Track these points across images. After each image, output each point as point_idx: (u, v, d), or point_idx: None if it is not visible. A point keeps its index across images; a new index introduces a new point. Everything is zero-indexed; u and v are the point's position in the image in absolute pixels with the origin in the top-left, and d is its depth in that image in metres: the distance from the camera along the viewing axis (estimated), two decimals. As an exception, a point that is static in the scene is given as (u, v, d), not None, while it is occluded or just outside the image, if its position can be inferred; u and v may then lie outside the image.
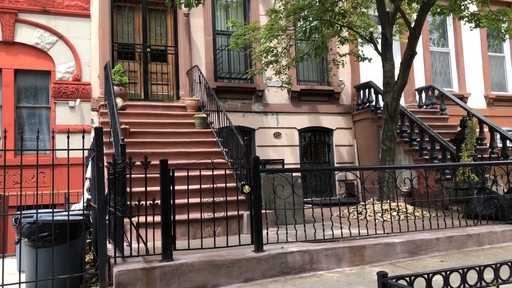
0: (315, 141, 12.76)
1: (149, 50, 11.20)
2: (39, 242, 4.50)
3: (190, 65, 11.04)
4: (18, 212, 4.59)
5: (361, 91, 12.52)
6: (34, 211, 4.66)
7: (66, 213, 4.64)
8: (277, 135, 11.96)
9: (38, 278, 4.24)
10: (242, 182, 5.92)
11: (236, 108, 11.51)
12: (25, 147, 9.07)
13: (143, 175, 4.80)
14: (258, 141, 11.73)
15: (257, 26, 10.19)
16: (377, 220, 6.45)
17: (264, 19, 11.01)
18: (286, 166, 11.22)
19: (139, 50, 11.19)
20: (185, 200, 5.23)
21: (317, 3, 9.27)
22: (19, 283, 4.28)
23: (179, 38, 11.28)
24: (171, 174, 4.79)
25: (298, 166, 11.92)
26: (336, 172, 11.81)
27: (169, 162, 4.83)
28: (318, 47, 9.61)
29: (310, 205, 7.66)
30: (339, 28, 9.88)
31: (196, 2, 6.94)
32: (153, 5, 11.24)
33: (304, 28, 9.23)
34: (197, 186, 5.13)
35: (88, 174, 6.60)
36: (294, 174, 7.08)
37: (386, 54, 9.18)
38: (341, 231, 5.72)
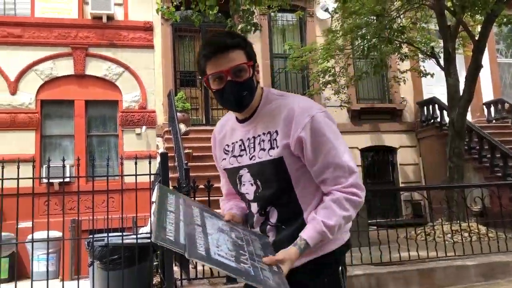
0: (378, 161, 12.45)
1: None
2: (110, 265, 4.68)
3: (249, 89, 11.20)
4: (91, 236, 4.82)
5: (425, 108, 12.12)
6: (105, 234, 4.88)
7: (135, 236, 4.81)
8: (338, 155, 11.77)
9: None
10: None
11: (296, 129, 11.49)
12: (95, 173, 9.56)
13: (207, 198, 4.89)
14: (319, 162, 11.59)
15: (314, 47, 10.23)
16: (447, 242, 6.15)
17: (321, 39, 11.03)
18: (348, 187, 10.99)
19: (200, 77, 11.54)
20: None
21: (375, 21, 9.18)
22: (92, 304, 4.47)
23: (238, 63, 11.52)
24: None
25: (361, 186, 11.63)
26: (401, 192, 11.42)
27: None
28: (377, 65, 9.47)
29: (375, 227, 7.44)
30: (398, 44, 9.70)
31: (253, 29, 7.10)
32: (212, 32, 11.60)
33: (362, 47, 9.15)
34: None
35: (154, 198, 6.82)
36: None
37: (449, 69, 8.86)
38: (409, 254, 5.49)
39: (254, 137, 1.71)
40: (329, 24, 10.47)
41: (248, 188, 1.74)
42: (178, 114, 9.44)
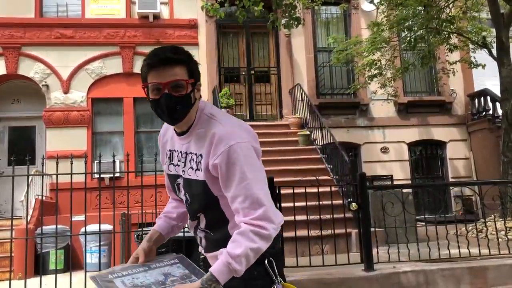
0: (426, 155, 12.11)
1: (253, 72, 11.60)
2: (158, 257, 4.81)
3: (292, 84, 11.20)
4: (140, 229, 4.98)
5: (476, 100, 11.66)
6: (153, 228, 5.00)
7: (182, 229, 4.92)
8: (385, 150, 11.57)
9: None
10: (349, 200, 5.82)
11: (340, 123, 11.38)
12: (144, 169, 9.84)
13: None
14: (364, 157, 11.45)
15: (359, 40, 10.06)
16: (500, 239, 5.91)
17: (366, 32, 10.83)
18: (395, 182, 10.77)
19: (243, 73, 11.64)
20: (291, 217, 5.26)
21: (422, 12, 8.91)
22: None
23: (281, 58, 11.53)
24: (277, 191, 4.87)
25: (409, 182, 11.38)
26: (451, 188, 11.06)
27: (275, 179, 4.92)
28: (424, 57, 9.21)
29: (423, 223, 7.27)
30: (447, 35, 9.37)
31: (296, 23, 7.06)
32: (255, 28, 11.64)
33: (408, 38, 8.91)
34: (303, 203, 5.15)
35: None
36: (404, 190, 6.77)
37: (502, 59, 8.49)
38: (459, 251, 5.32)
39: (186, 153, 1.79)
40: (375, 16, 10.25)
41: (183, 197, 1.85)
42: (223, 110, 9.56)
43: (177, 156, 1.83)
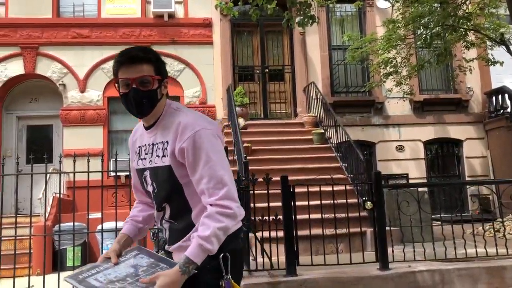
0: (442, 154, 11.98)
1: (267, 70, 11.59)
2: (173, 255, 4.85)
3: (307, 82, 11.17)
4: (155, 227, 5.02)
5: (493, 98, 11.50)
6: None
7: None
8: (400, 148, 11.48)
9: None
10: (364, 198, 5.79)
11: (355, 122, 11.32)
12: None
13: (265, 191, 4.95)
14: (379, 155, 11.37)
15: (374, 38, 9.99)
16: (518, 239, 5.83)
17: (381, 29, 10.74)
18: (410, 181, 10.68)
19: (258, 71, 11.64)
20: (306, 216, 5.26)
21: (438, 9, 8.80)
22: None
23: (295, 56, 11.51)
24: (291, 190, 4.87)
25: (424, 180, 11.28)
26: (467, 187, 10.93)
27: (289, 178, 4.92)
28: (440, 54, 9.10)
29: (439, 222, 7.20)
30: (464, 32, 9.25)
31: (311, 21, 7.04)
32: (270, 27, 11.63)
33: (424, 36, 8.82)
34: (317, 202, 5.14)
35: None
36: (420, 189, 6.72)
37: (521, 56, 8.35)
38: (476, 250, 5.26)
39: (153, 144, 1.94)
40: (390, 13, 10.16)
41: (149, 187, 1.97)
42: (237, 108, 9.57)
43: (145, 150, 1.98)
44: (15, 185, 5.96)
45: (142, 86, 1.85)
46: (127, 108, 1.92)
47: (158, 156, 1.90)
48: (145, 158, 1.97)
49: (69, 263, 7.73)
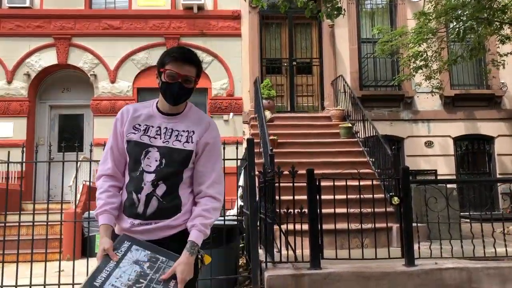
0: (472, 150, 11.72)
1: (295, 63, 11.55)
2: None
3: (335, 75, 11.08)
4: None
5: (528, 94, 11.16)
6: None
7: (222, 218, 5.01)
8: (429, 144, 11.28)
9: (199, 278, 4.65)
10: (391, 193, 5.72)
11: (383, 116, 11.18)
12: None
13: (291, 184, 4.95)
14: (408, 151, 11.21)
15: (405, 31, 9.80)
16: (550, 239, 5.67)
17: (412, 22, 10.54)
18: (439, 177, 10.50)
19: (285, 64, 11.61)
20: (331, 210, 5.24)
21: (472, 1, 8.56)
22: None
23: (324, 49, 11.42)
24: (317, 183, 4.86)
25: (453, 177, 11.07)
26: (498, 184, 10.67)
27: (315, 171, 4.91)
28: (473, 48, 8.87)
29: (468, 220, 7.06)
30: (498, 25, 8.98)
31: (336, 13, 6.97)
32: (298, 19, 11.56)
33: (457, 29, 8.61)
34: (343, 196, 5.11)
35: (241, 182, 7.03)
36: (448, 185, 6.59)
37: (559, 50, 8.07)
38: (506, 249, 5.15)
39: (172, 129, 2.21)
40: (421, 6, 9.95)
41: (152, 162, 2.15)
42: (264, 101, 9.58)
43: (157, 130, 2.20)
44: (47, 172, 6.13)
45: (185, 83, 2.15)
46: (164, 94, 2.20)
47: (179, 141, 2.18)
48: (155, 137, 2.18)
49: (97, 249, 7.90)
